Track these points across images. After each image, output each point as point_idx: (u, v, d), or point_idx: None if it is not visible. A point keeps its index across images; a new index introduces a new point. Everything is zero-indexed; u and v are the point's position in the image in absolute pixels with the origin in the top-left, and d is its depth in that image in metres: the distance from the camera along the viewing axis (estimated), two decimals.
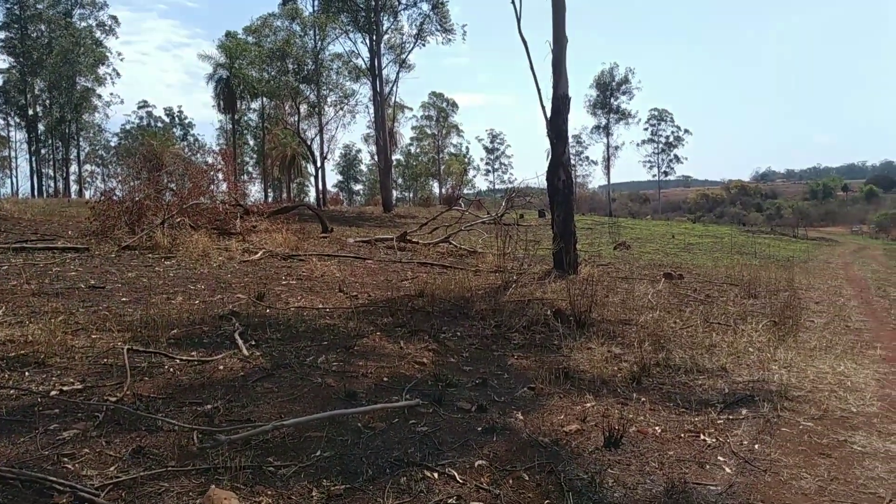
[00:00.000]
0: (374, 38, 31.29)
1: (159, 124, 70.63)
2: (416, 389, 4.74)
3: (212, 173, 17.89)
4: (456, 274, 10.71)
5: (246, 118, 58.17)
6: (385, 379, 4.97)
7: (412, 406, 4.30)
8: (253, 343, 5.72)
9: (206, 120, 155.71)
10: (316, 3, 36.59)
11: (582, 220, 29.74)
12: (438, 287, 8.98)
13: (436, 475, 3.32)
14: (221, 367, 5.01)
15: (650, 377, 5.44)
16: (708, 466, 3.66)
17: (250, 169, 66.18)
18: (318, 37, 37.70)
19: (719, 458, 3.79)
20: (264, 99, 47.95)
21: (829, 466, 3.76)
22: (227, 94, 47.39)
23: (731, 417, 4.54)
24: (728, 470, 3.62)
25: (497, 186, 76.41)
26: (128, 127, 68.30)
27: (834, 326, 8.58)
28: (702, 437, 4.11)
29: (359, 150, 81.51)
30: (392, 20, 33.12)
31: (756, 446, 4.00)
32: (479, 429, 4.02)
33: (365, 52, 32.67)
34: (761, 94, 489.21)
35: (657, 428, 4.24)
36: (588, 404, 4.64)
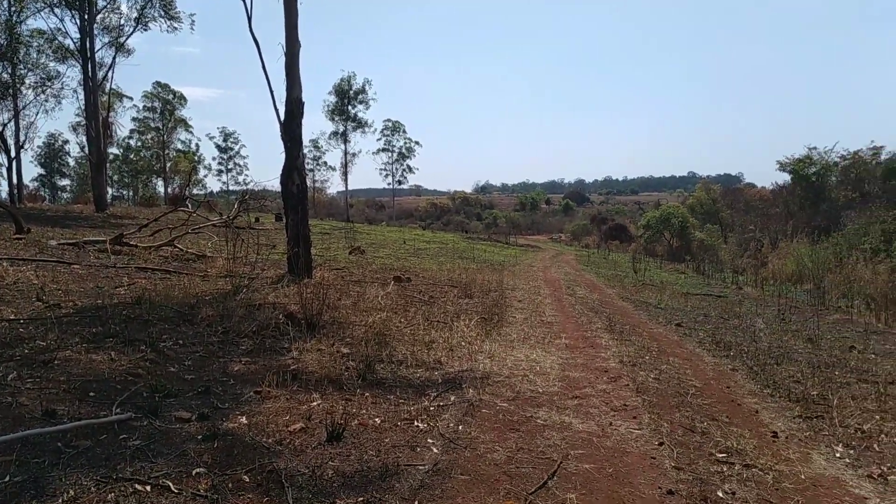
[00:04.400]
0: (86, 16, 27.63)
1: None
2: (129, 402, 4.42)
3: None
4: (181, 279, 10.06)
5: None
6: (92, 394, 4.52)
7: (123, 420, 4.01)
8: None
9: None
10: None
11: (319, 225, 29.97)
12: (159, 294, 8.37)
13: (148, 488, 3.16)
14: None
15: (374, 373, 5.79)
16: (419, 449, 4.06)
17: None
18: (13, 8, 31.99)
19: (429, 440, 4.23)
20: None
21: (517, 439, 4.43)
22: None
23: (441, 404, 5.07)
24: (435, 450, 4.06)
25: (231, 188, 72.60)
26: None
27: (531, 321, 9.98)
28: (415, 423, 4.54)
29: (66, 141, 69.82)
30: None
31: (460, 427, 4.54)
32: (200, 437, 3.91)
33: (74, 31, 28.76)
34: (482, 113, 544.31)
35: (377, 419, 4.56)
36: (314, 403, 4.79)
